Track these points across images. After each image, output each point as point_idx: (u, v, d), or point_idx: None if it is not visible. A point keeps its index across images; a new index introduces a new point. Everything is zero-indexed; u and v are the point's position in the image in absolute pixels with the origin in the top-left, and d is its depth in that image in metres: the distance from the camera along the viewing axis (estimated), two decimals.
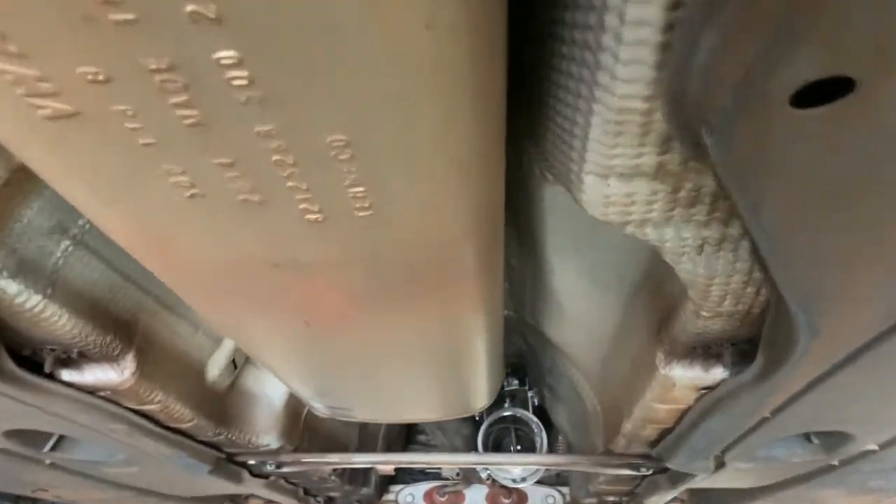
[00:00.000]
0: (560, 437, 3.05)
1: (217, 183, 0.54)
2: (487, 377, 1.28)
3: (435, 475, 3.19)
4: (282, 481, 2.22)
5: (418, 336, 1.01)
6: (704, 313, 0.93)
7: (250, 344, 1.02)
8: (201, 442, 1.63)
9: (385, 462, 1.85)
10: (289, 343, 0.96)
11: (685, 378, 1.15)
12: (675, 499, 3.14)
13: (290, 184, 0.54)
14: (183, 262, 0.68)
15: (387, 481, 3.11)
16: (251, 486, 2.10)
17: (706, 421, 1.25)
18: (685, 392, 1.21)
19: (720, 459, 1.70)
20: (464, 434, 2.33)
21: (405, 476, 3.28)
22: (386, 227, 0.62)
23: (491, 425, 2.27)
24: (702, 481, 1.96)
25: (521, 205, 1.14)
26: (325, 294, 0.76)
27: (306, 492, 2.54)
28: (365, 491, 2.76)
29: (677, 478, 1.92)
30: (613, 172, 0.64)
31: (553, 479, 3.30)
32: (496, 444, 2.37)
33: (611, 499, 2.65)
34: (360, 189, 0.56)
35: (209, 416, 1.51)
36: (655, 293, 1.12)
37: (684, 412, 1.31)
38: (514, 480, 2.37)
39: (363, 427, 2.59)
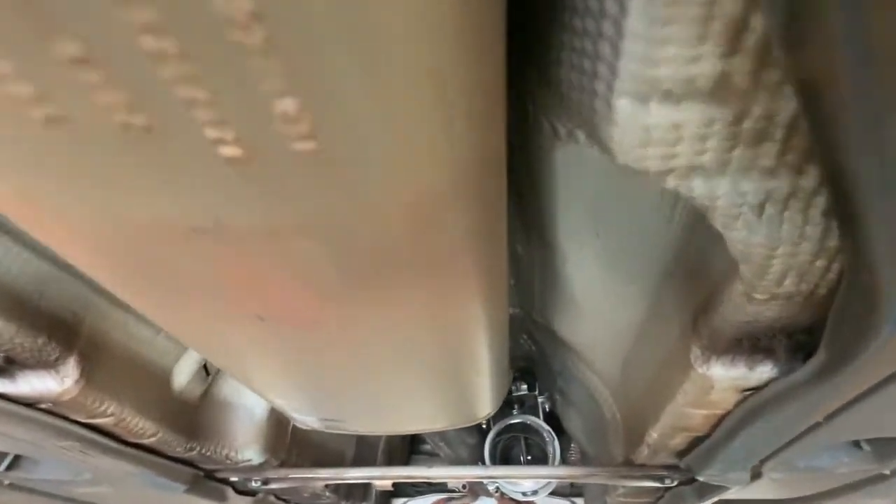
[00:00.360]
0: (573, 445, 2.86)
1: (77, 94, 0.36)
2: (492, 382, 1.10)
3: (441, 487, 3.00)
4: (272, 498, 2.04)
5: (406, 335, 0.83)
6: (758, 296, 0.75)
7: (200, 344, 0.84)
8: (173, 458, 1.45)
9: (382, 477, 1.67)
10: (245, 343, 0.78)
11: (726, 378, 0.97)
12: None
13: (183, 92, 0.36)
14: (71, 228, 0.50)
15: (389, 495, 2.93)
16: (237, 503, 1.92)
17: (747, 428, 1.07)
18: (725, 395, 1.02)
19: (757, 470, 1.51)
20: (469, 444, 2.14)
21: (409, 489, 3.10)
22: (339, 171, 0.44)
23: (498, 434, 2.08)
24: (732, 493, 1.77)
25: (527, 174, 0.96)
26: (271, 276, 0.58)
27: None
28: None
29: (706, 490, 1.73)
30: (657, 91, 0.46)
31: (567, 490, 3.11)
32: (505, 454, 2.19)
33: None
34: (293, 103, 0.38)
35: (178, 429, 1.33)
36: (691, 278, 0.94)
37: (721, 418, 1.12)
38: (524, 494, 2.19)
39: (361, 438, 2.41)
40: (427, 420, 1.22)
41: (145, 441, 1.28)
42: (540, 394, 2.25)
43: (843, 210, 0.51)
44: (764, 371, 0.94)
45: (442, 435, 2.15)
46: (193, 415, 1.39)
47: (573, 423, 2.35)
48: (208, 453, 1.44)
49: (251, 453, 1.55)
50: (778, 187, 0.57)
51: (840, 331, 0.76)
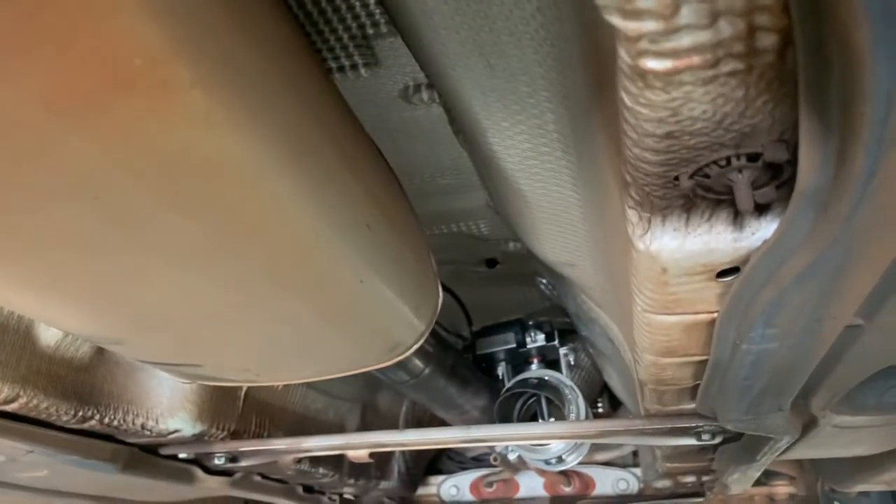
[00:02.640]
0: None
1: None
2: (388, 285, 0.79)
3: (485, 462, 2.70)
4: (256, 477, 1.81)
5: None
6: (653, 63, 0.42)
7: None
8: (75, 431, 1.22)
9: (349, 446, 1.39)
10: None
11: (680, 252, 0.62)
12: (779, 475, 2.51)
13: None
14: None
15: (424, 472, 2.65)
16: (212, 484, 1.70)
17: (753, 333, 0.71)
18: (693, 286, 0.68)
19: (806, 411, 1.13)
20: (479, 405, 1.83)
21: (452, 466, 2.81)
22: None
23: (510, 392, 1.75)
24: (794, 449, 1.38)
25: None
26: None
27: (308, 489, 2.12)
28: (386, 485, 2.31)
29: (754, 445, 1.36)
30: None
31: (629, 460, 2.75)
32: (528, 419, 1.86)
33: (687, 479, 2.09)
34: None
35: (56, 393, 1.10)
36: (604, 105, 0.60)
37: (710, 326, 0.77)
38: (547, 462, 1.85)
39: (370, 406, 2.14)
40: (314, 359, 0.92)
41: (8, 408, 1.05)
42: (562, 345, 1.91)
43: None
44: (735, 229, 0.59)
45: (452, 401, 1.83)
46: (82, 376, 1.15)
47: (612, 377, 2.00)
48: (115, 423, 1.21)
49: (178, 423, 1.30)
50: None
51: (828, 117, 0.42)
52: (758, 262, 0.61)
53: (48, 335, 1.09)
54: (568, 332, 2.09)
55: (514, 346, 1.94)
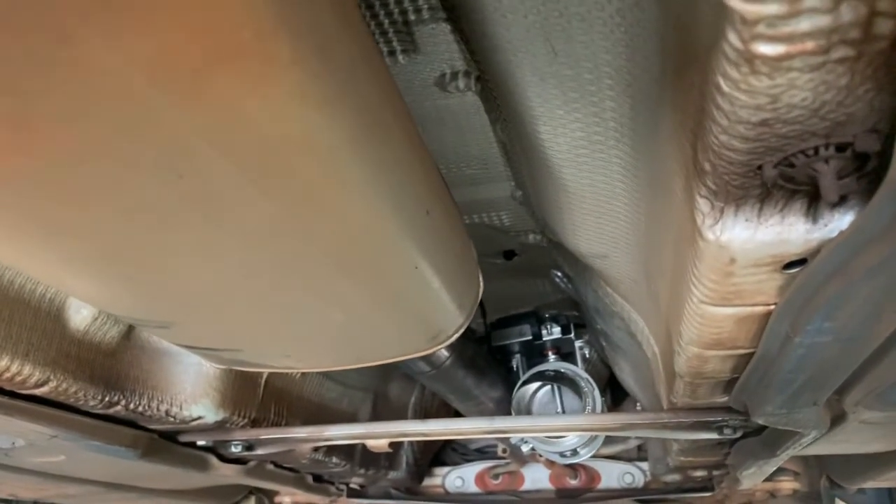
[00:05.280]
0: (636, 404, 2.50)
1: None
2: (438, 273, 0.79)
3: (485, 455, 2.70)
4: (269, 466, 1.80)
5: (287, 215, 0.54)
6: (765, 48, 0.41)
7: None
8: (101, 417, 1.21)
9: (369, 435, 1.38)
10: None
11: (752, 243, 0.62)
12: (784, 471, 2.52)
13: None
14: None
15: (429, 464, 2.64)
16: (226, 472, 1.69)
17: (810, 326, 0.71)
18: (757, 277, 0.68)
19: (837, 406, 1.14)
20: (494, 397, 1.83)
21: (455, 457, 2.81)
22: None
23: (526, 385, 1.75)
24: (813, 444, 1.39)
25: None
26: None
27: (318, 479, 2.12)
28: (394, 475, 2.31)
29: (776, 440, 1.36)
30: None
31: (633, 454, 2.75)
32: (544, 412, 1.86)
33: (698, 474, 2.09)
34: None
35: (84, 377, 1.09)
36: (675, 77, 0.60)
37: (764, 319, 0.77)
38: (562, 455, 1.86)
39: (382, 396, 2.13)
40: (357, 345, 0.91)
41: (38, 391, 1.03)
42: (578, 338, 1.91)
43: None
44: (808, 220, 0.59)
45: (469, 393, 1.83)
46: (109, 361, 1.14)
47: (624, 371, 2.00)
48: (139, 408, 1.19)
49: (202, 409, 1.29)
50: None
51: None
52: (829, 253, 0.61)
53: (78, 319, 1.08)
54: (578, 326, 2.09)
55: (529, 338, 1.94)
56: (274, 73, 0.43)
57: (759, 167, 0.54)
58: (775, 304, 0.73)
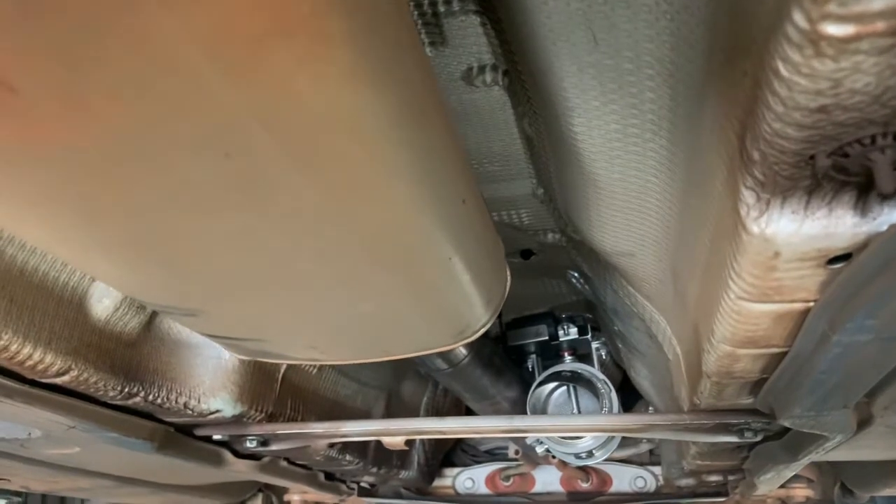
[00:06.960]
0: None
1: None
2: (470, 266, 0.78)
3: (496, 456, 2.68)
4: (282, 462, 1.79)
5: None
6: (833, 28, 0.40)
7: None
8: (119, 408, 1.21)
9: (387, 432, 1.37)
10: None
11: (798, 237, 0.61)
12: (798, 478, 2.50)
13: None
14: None
15: (439, 464, 2.63)
16: (240, 468, 1.68)
17: (851, 324, 0.70)
18: (801, 272, 0.66)
19: (865, 410, 1.12)
20: (509, 397, 1.82)
21: (466, 458, 2.80)
22: None
23: (542, 385, 1.74)
24: (835, 449, 1.37)
25: None
26: None
27: (330, 476, 2.11)
28: (405, 475, 2.30)
29: (798, 444, 1.34)
30: None
31: (645, 458, 2.73)
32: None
33: (712, 478, 2.07)
34: None
35: (105, 367, 1.08)
36: (722, 69, 0.59)
37: (802, 317, 0.76)
38: (577, 456, 1.84)
39: (395, 394, 2.12)
40: (385, 337, 0.90)
41: (59, 380, 1.03)
42: (594, 339, 1.89)
43: None
44: (857, 214, 0.58)
45: (484, 393, 1.82)
46: (129, 352, 1.13)
47: (640, 374, 1.98)
48: (158, 400, 1.19)
49: (220, 403, 1.28)
50: None
51: None
52: (877, 248, 0.59)
53: (100, 308, 1.07)
54: (593, 328, 2.08)
55: (546, 338, 1.93)
56: (328, 51, 0.42)
57: (812, 157, 0.53)
58: (815, 300, 0.72)
